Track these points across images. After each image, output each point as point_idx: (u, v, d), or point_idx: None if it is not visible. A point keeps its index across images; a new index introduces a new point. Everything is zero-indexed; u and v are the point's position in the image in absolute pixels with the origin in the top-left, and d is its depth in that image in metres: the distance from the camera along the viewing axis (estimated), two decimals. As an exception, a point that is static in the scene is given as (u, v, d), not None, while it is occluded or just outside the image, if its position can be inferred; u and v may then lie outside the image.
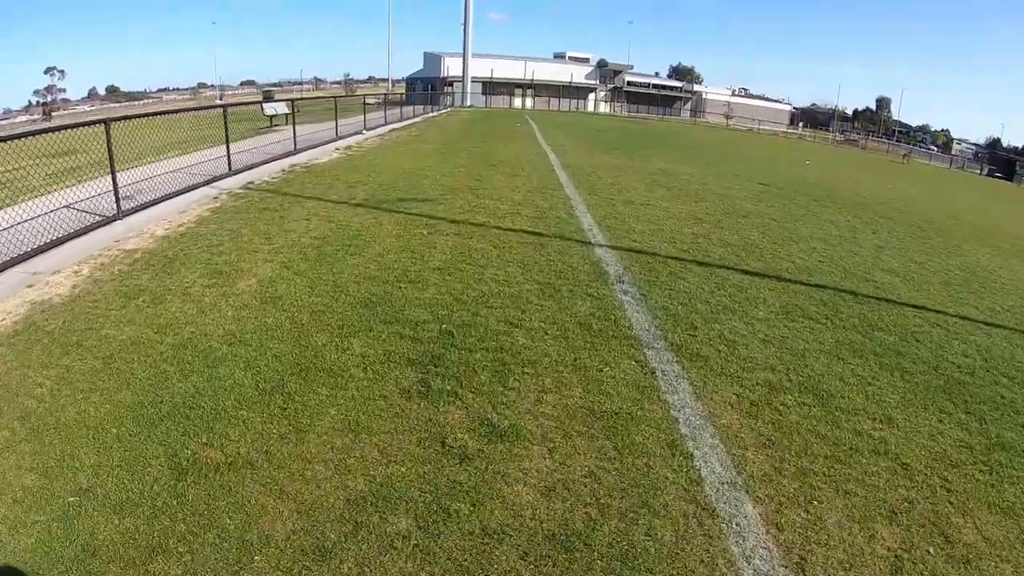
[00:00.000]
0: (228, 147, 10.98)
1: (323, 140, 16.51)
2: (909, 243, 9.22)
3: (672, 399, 3.64)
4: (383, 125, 23.22)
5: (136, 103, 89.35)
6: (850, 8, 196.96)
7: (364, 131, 20.39)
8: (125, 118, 8.17)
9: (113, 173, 7.34)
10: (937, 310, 5.90)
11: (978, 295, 6.65)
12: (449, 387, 3.57)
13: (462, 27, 59.75)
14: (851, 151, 49.41)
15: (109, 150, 7.21)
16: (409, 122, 26.67)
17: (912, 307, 5.92)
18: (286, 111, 23.33)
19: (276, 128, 20.40)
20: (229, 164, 10.90)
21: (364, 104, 21.36)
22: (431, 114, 35.38)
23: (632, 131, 32.21)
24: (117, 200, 7.41)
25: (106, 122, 7.29)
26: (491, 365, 3.85)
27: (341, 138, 17.68)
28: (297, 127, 19.09)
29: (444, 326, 4.36)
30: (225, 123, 10.96)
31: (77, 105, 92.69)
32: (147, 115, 8.99)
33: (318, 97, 32.89)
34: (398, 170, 11.71)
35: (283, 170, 11.60)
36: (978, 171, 51.64)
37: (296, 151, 14.22)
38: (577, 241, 6.92)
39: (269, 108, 22.36)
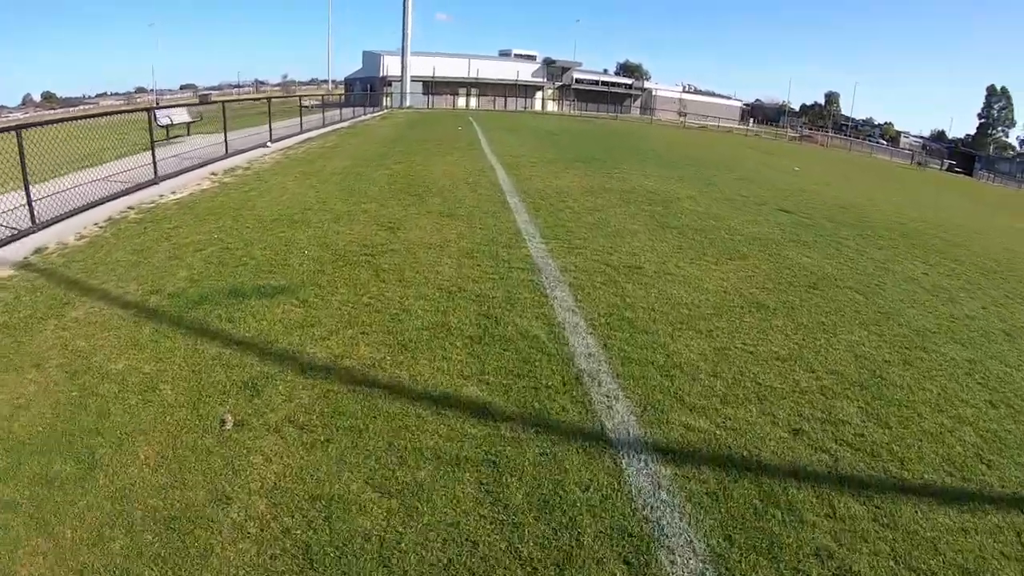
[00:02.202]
0: (27, 188, 7.08)
1: (206, 159, 12.40)
2: (1019, 313, 5.99)
3: None
4: (297, 134, 19.07)
5: (72, 109, 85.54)
6: (790, 4, 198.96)
7: (269, 143, 16.28)
8: None
9: None
10: None
11: None
12: None
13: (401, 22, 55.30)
14: (816, 150, 47.32)
15: None
16: (331, 128, 22.48)
17: None
18: (187, 119, 19.12)
19: (174, 141, 16.25)
20: (32, 215, 7.02)
21: (269, 111, 17.10)
22: (363, 117, 31.11)
23: (589, 133, 28.66)
24: None
25: None
26: None
27: (233, 155, 13.55)
28: (199, 138, 15.02)
29: None
30: (20, 153, 7.03)
31: (11, 113, 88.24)
32: None
33: (212, 101, 28.43)
34: (275, 211, 7.75)
35: (111, 218, 7.78)
36: (936, 166, 50.22)
37: (157, 179, 10.18)
38: (580, 438, 3.08)
39: (163, 117, 17.91)
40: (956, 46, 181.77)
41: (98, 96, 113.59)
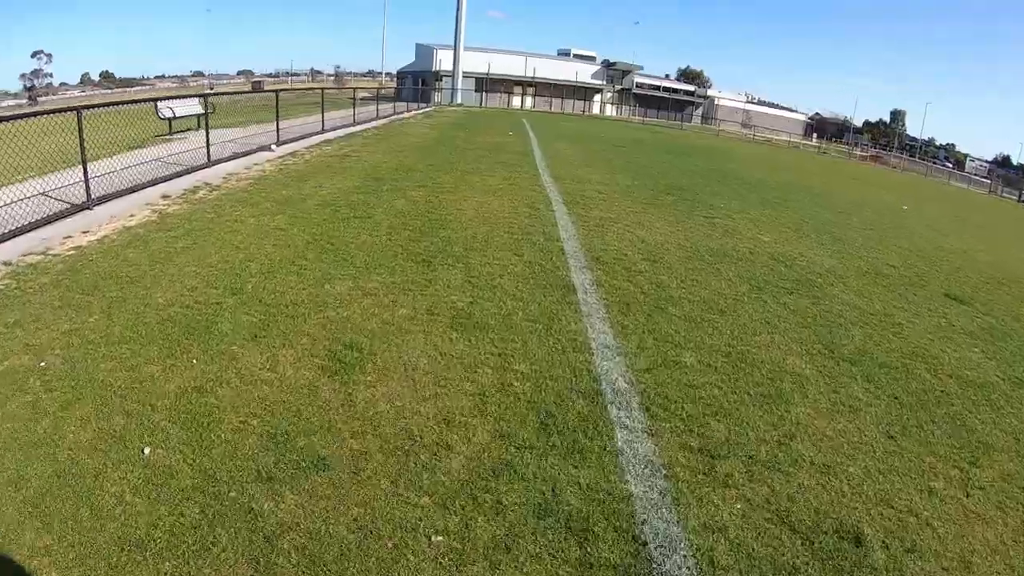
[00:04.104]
0: None
1: (173, 171, 9.51)
2: None
3: None
4: (317, 133, 16.05)
5: (128, 90, 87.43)
6: (855, 18, 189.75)
7: (275, 146, 13.22)
8: None
9: None
10: None
11: None
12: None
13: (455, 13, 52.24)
14: (895, 175, 42.50)
15: None
16: (362, 127, 19.44)
17: None
18: (196, 111, 16.23)
19: (176, 137, 13.48)
20: None
21: (277, 110, 14.01)
22: (403, 114, 28.06)
23: (661, 147, 24.89)
24: None
25: None
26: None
27: (217, 163, 10.51)
28: (201, 134, 12.44)
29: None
30: None
31: (69, 90, 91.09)
32: None
33: (265, 90, 26.14)
34: (179, 294, 4.63)
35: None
36: (1015, 197, 44.14)
37: (89, 203, 7.34)
38: None
39: (166, 110, 15.04)
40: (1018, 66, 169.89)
41: (156, 78, 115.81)
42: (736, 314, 5.13)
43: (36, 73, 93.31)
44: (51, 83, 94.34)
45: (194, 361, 3.63)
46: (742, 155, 27.87)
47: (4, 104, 66.39)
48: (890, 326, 5.54)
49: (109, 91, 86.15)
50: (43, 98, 76.37)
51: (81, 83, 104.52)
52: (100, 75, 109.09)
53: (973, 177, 56.32)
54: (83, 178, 7.40)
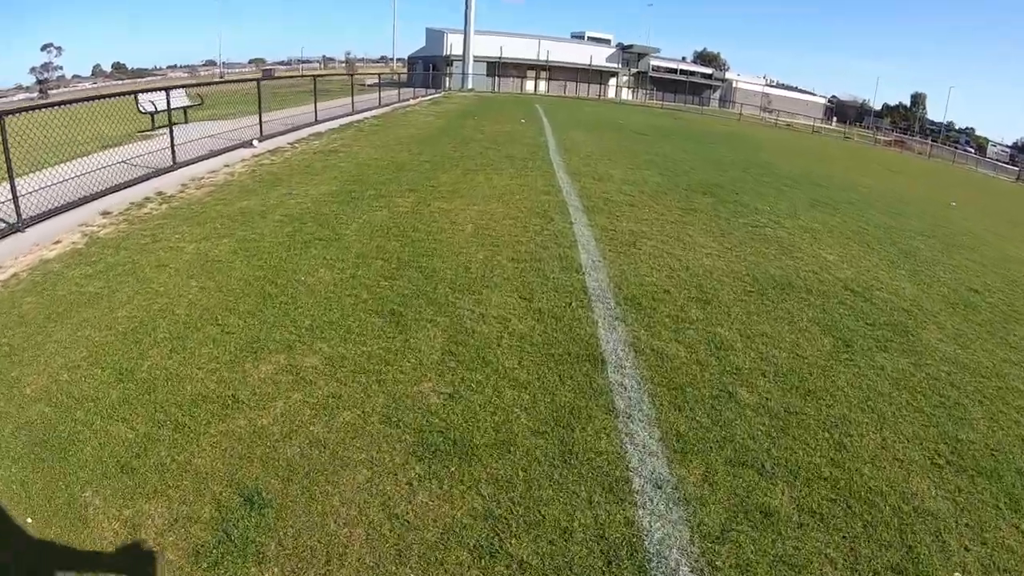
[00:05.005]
0: None
1: (131, 176, 8.26)
2: None
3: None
4: (308, 125, 14.63)
5: (139, 80, 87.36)
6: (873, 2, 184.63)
7: (257, 141, 11.82)
8: None
9: None
10: None
11: None
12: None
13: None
14: (921, 161, 40.41)
15: None
16: (360, 116, 17.97)
17: None
18: (183, 103, 14.91)
19: (158, 133, 12.26)
20: None
21: (259, 100, 12.55)
22: (409, 101, 26.51)
23: (686, 135, 23.12)
24: None
25: None
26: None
27: (183, 166, 9.16)
28: (194, 126, 11.25)
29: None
30: None
31: (80, 82, 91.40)
32: None
33: (276, 76, 24.81)
34: (33, 397, 3.27)
35: None
36: None
37: (21, 224, 6.23)
38: None
39: (146, 103, 13.69)
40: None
41: (168, 67, 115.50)
42: (829, 396, 3.64)
43: (46, 66, 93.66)
44: (63, 75, 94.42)
45: (29, 520, 2.25)
46: (768, 142, 26.08)
47: (17, 98, 66.48)
48: (1010, 396, 4.06)
49: (120, 82, 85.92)
50: (54, 91, 76.57)
51: (93, 75, 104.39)
52: (112, 66, 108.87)
53: (998, 163, 54.01)
54: (11, 196, 6.08)
